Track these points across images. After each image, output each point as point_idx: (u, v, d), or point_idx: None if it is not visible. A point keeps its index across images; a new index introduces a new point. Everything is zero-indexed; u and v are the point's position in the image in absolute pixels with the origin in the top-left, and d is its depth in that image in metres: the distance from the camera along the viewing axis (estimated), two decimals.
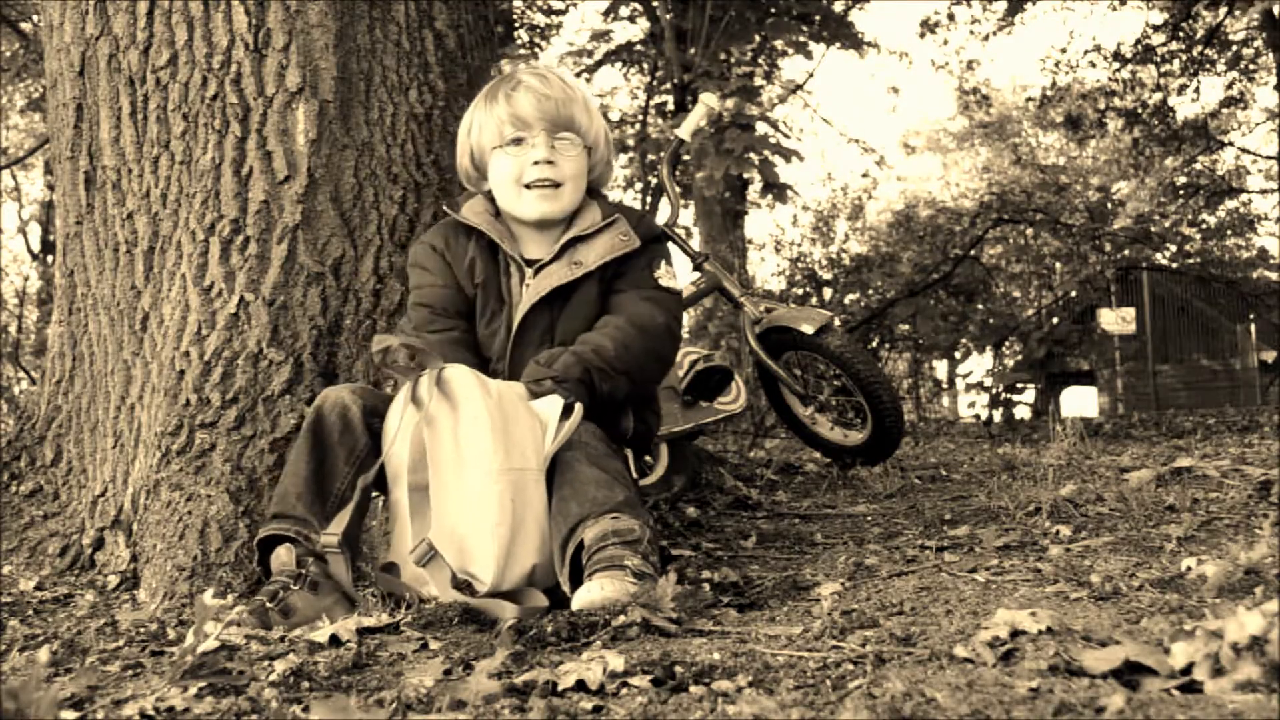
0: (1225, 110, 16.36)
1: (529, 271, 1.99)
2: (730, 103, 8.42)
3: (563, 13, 12.57)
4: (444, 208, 2.12)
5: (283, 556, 1.73)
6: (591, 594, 1.53)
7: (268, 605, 1.63)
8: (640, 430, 2.02)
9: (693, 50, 9.34)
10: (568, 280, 1.96)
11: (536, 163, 1.95)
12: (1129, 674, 1.08)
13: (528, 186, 1.96)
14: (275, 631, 1.57)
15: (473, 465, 1.68)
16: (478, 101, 2.03)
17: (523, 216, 1.99)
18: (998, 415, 6.59)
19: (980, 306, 8.51)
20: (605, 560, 1.59)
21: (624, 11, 10.74)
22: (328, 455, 1.80)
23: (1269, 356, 17.45)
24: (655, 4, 10.04)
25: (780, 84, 14.31)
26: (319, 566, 1.71)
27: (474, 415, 1.70)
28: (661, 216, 3.25)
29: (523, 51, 11.47)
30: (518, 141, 1.96)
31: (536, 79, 1.96)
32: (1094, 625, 1.30)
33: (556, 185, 1.96)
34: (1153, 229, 14.37)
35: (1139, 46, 14.64)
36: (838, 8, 11.04)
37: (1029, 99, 17.57)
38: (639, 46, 11.08)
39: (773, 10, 9.72)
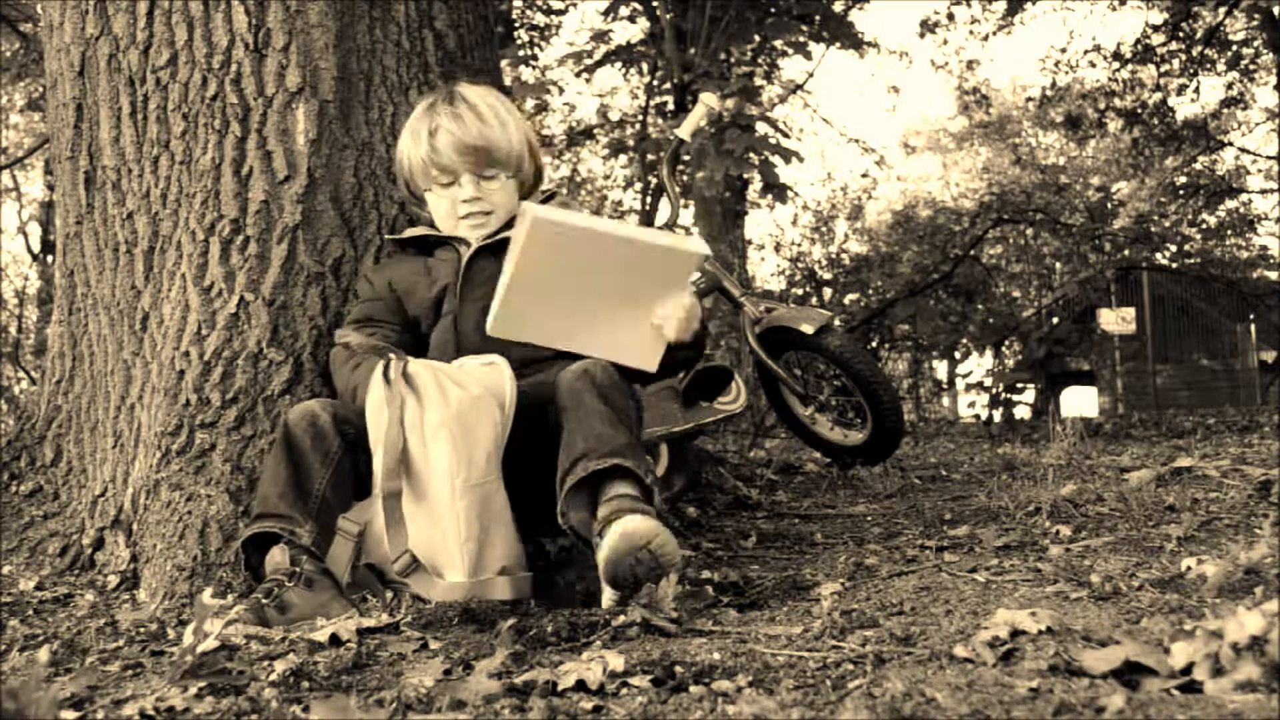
0: (1225, 110, 16.36)
1: (474, 240, 2.09)
2: (730, 103, 8.41)
3: (563, 13, 12.57)
4: (385, 237, 2.28)
5: (277, 556, 1.74)
6: (632, 526, 1.52)
7: (264, 602, 1.64)
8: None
9: (693, 50, 9.33)
10: (509, 236, 2.04)
11: (466, 200, 2.06)
12: (1129, 674, 1.08)
13: (462, 217, 2.09)
14: (275, 631, 1.57)
15: (438, 477, 1.73)
16: (406, 133, 2.12)
17: (464, 238, 2.11)
18: (998, 415, 6.59)
19: (980, 306, 8.51)
20: (628, 503, 1.61)
21: (624, 11, 10.73)
22: (303, 460, 1.81)
23: (1269, 356, 17.44)
24: (655, 4, 10.03)
25: (780, 84, 14.30)
26: (313, 564, 1.72)
27: (435, 427, 1.74)
28: (661, 216, 3.25)
29: (522, 52, 11.46)
30: (447, 184, 2.07)
31: (452, 120, 2.03)
32: (1094, 625, 1.30)
33: (488, 213, 2.08)
34: (1153, 229, 14.37)
35: (1139, 46, 14.64)
36: (838, 8, 11.03)
37: (1029, 99, 17.57)
38: (639, 47, 11.07)
39: (773, 10, 9.70)
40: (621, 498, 1.63)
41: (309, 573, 1.70)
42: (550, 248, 1.78)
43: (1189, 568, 1.59)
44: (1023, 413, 7.22)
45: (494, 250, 2.05)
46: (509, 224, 2.07)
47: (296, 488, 1.79)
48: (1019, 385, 7.00)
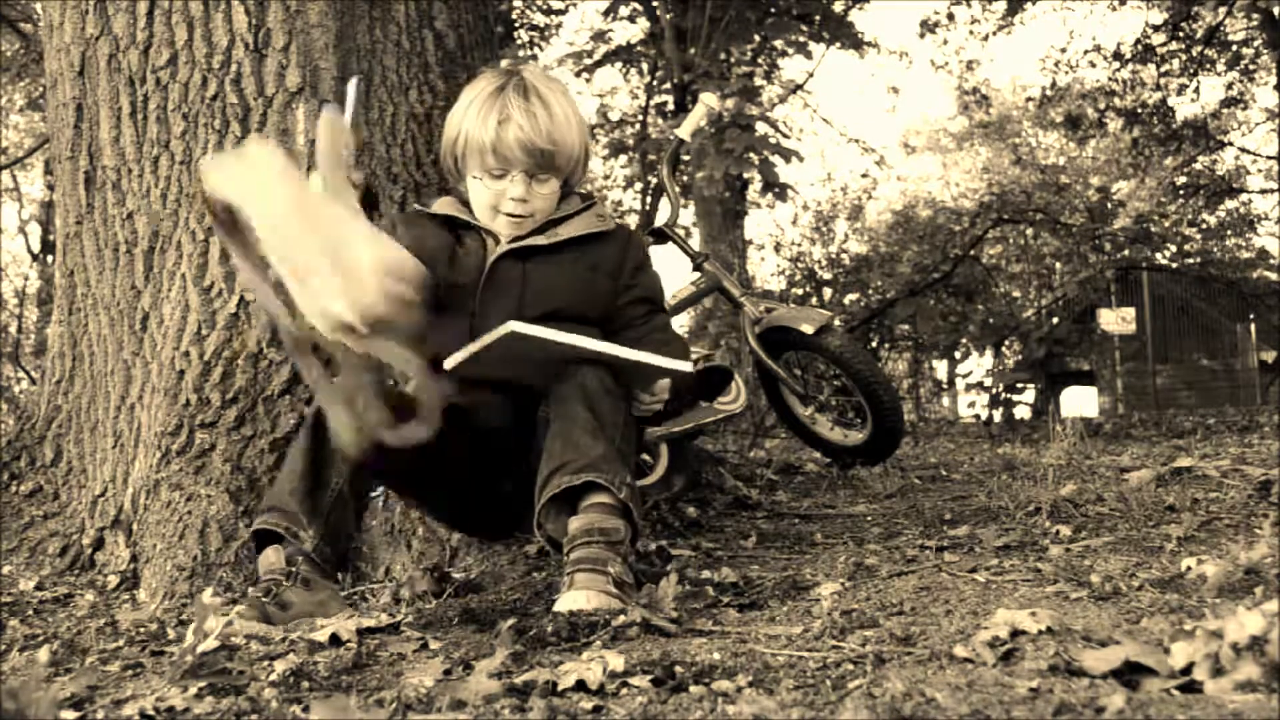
0: (1225, 110, 16.36)
1: (504, 238, 2.00)
2: (730, 103, 8.42)
3: (563, 13, 12.57)
4: (415, 205, 2.20)
5: (270, 558, 1.72)
6: (577, 604, 1.54)
7: (264, 600, 1.63)
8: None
9: (693, 50, 9.34)
10: (542, 243, 1.98)
11: (514, 198, 1.97)
12: (1129, 674, 1.08)
13: (504, 212, 1.99)
14: (275, 630, 1.57)
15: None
16: (469, 107, 1.99)
17: (495, 232, 2.02)
18: (998, 415, 6.59)
19: (980, 306, 8.51)
20: (589, 562, 1.60)
21: (624, 11, 10.74)
22: (323, 451, 1.78)
23: (1269, 356, 17.44)
24: (655, 4, 10.04)
25: (780, 84, 14.31)
26: (309, 566, 1.71)
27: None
28: (661, 216, 3.25)
29: (522, 52, 11.46)
30: (498, 175, 1.97)
31: (526, 116, 1.92)
32: (1094, 625, 1.30)
33: (529, 215, 2.00)
34: (1153, 229, 14.36)
35: (1139, 46, 14.64)
36: (838, 8, 11.04)
37: (1029, 99, 17.57)
38: (639, 47, 11.07)
39: (773, 10, 9.71)
40: (592, 512, 1.65)
41: (305, 573, 1.69)
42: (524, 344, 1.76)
43: (1189, 568, 1.59)
44: (1023, 413, 7.23)
45: (520, 255, 1.97)
46: (541, 229, 2.00)
47: (310, 483, 1.76)
48: (1019, 385, 7.01)
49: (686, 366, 1.81)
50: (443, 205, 2.07)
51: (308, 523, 1.74)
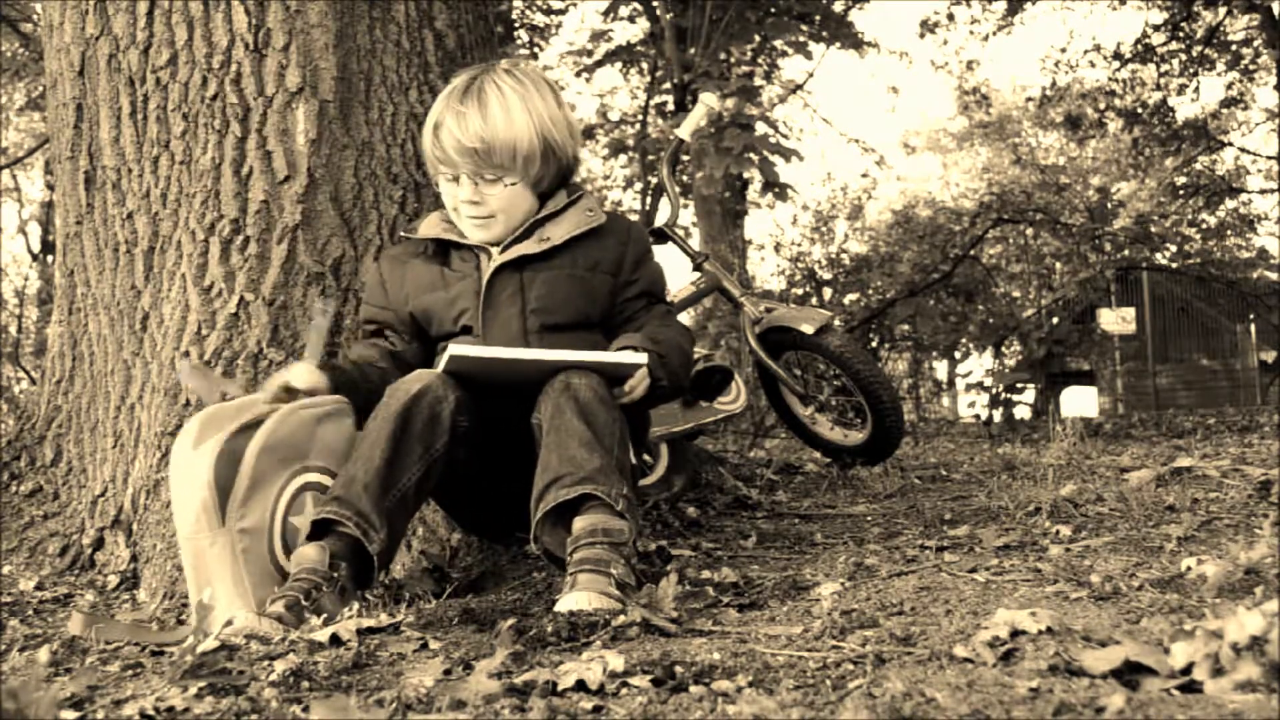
0: (1225, 110, 16.37)
1: (495, 250, 1.97)
2: (730, 103, 8.42)
3: (562, 13, 12.58)
4: (402, 232, 2.17)
5: (312, 555, 1.66)
6: (578, 604, 1.53)
7: (304, 604, 1.61)
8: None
9: (693, 50, 9.33)
10: (534, 252, 1.95)
11: (464, 201, 1.94)
12: (1129, 674, 1.08)
13: (466, 215, 1.97)
14: (275, 631, 1.56)
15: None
16: (431, 114, 1.98)
17: (469, 237, 2.00)
18: (998, 415, 6.59)
19: (980, 306, 8.51)
20: (591, 562, 1.59)
21: (624, 11, 10.74)
22: (405, 445, 1.73)
23: (1269, 356, 17.45)
24: (655, 4, 10.04)
25: (780, 84, 14.31)
26: (348, 570, 1.68)
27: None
28: (661, 216, 3.26)
29: (522, 52, 11.47)
30: (451, 179, 1.95)
31: (456, 118, 1.89)
32: (1094, 625, 1.30)
33: (489, 216, 1.96)
34: (1153, 229, 14.37)
35: (1139, 46, 14.66)
36: (838, 8, 11.04)
37: (1029, 99, 17.58)
38: (639, 47, 11.08)
39: (773, 10, 9.71)
40: (595, 513, 1.63)
41: (343, 580, 1.67)
42: (476, 367, 1.77)
43: (1189, 568, 1.59)
44: (1023, 413, 7.22)
45: (515, 265, 1.95)
46: (528, 232, 1.97)
47: (387, 481, 1.71)
48: (1019, 385, 7.01)
49: (640, 359, 1.79)
50: (429, 225, 2.05)
51: (379, 523, 1.68)
